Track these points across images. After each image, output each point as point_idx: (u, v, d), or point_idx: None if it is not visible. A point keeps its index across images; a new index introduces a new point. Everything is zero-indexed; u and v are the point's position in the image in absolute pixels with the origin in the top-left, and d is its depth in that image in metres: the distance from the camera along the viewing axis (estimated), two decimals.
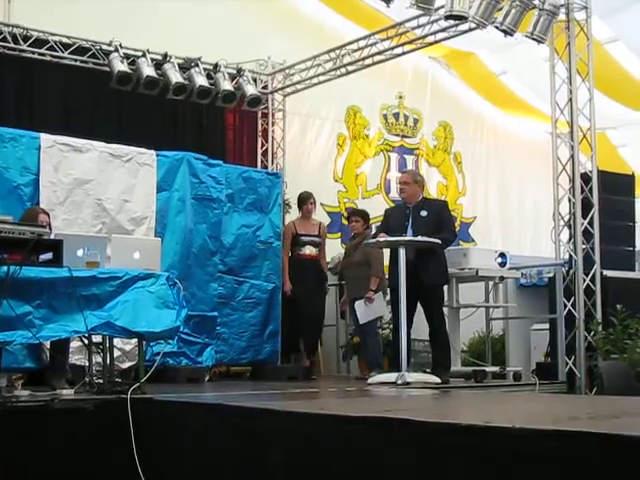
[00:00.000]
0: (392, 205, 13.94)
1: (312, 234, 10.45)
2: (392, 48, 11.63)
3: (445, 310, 9.44)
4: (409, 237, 8.40)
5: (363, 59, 11.87)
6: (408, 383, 7.91)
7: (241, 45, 12.54)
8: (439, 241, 8.33)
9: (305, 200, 10.55)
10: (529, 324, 11.07)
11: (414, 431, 3.96)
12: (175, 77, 11.38)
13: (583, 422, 4.34)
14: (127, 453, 5.56)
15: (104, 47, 11.27)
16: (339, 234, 13.81)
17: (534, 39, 9.52)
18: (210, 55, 11.81)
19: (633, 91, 14.12)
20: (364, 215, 10.65)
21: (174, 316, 6.55)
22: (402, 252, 8.20)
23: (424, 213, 8.78)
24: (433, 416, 4.55)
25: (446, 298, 9.51)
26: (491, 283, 9.85)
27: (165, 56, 11.47)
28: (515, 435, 3.49)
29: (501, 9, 9.37)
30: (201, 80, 11.61)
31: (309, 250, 10.38)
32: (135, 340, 6.90)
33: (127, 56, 11.20)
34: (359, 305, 9.88)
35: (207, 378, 9.35)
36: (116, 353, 7.31)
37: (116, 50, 11.09)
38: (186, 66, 11.68)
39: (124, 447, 5.58)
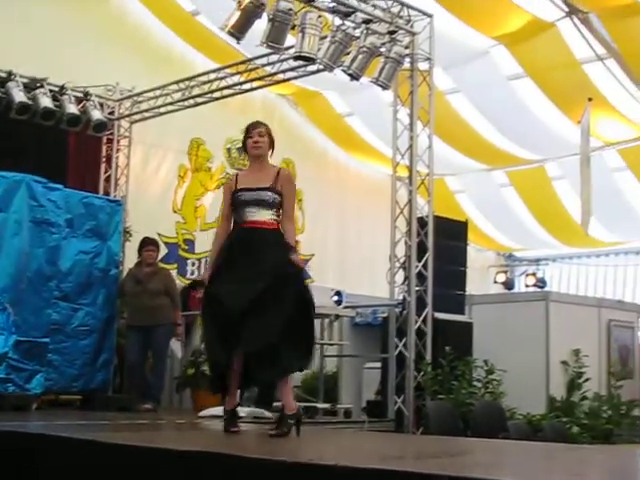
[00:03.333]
0: None
1: (261, 187, 6.21)
2: (241, 83, 11.73)
3: None
4: None
5: (212, 92, 11.90)
6: (240, 417, 7.91)
7: (90, 69, 12.40)
8: None
9: (247, 130, 6.61)
10: (362, 362, 11.28)
11: (241, 466, 3.98)
12: (19, 96, 11.12)
13: (408, 462, 4.47)
14: None
15: None
16: (176, 265, 13.78)
17: (379, 85, 9.77)
18: (57, 77, 11.60)
19: (471, 140, 14.67)
20: (157, 244, 10.64)
21: (2, 342, 6.40)
22: None
23: None
24: (259, 453, 4.58)
25: None
26: (327, 320, 10.00)
27: (9, 74, 11.19)
28: (339, 474, 3.56)
29: (349, 53, 9.59)
30: (46, 101, 11.38)
31: (253, 214, 6.18)
32: None
33: None
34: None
35: (35, 406, 9.10)
36: None
37: None
38: (31, 86, 11.43)
39: None
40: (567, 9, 12.07)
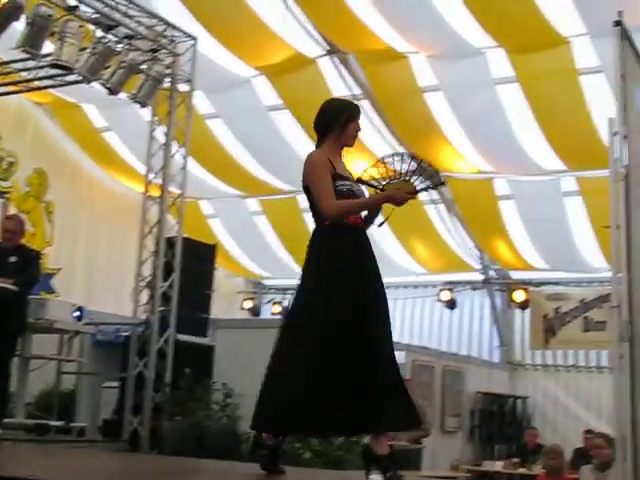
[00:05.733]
0: None
1: (353, 181, 5.09)
2: None
3: (16, 360, 9.20)
4: None
5: None
6: None
7: None
8: (15, 288, 8.11)
9: (355, 111, 5.20)
10: (102, 381, 11.08)
11: None
12: None
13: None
14: None
15: None
16: None
17: (137, 102, 9.74)
18: None
19: (227, 166, 14.81)
20: None
21: None
22: None
23: (13, 259, 8.53)
24: None
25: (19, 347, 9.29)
26: (66, 336, 9.78)
27: None
28: None
29: (109, 67, 9.49)
30: None
31: None
32: None
33: None
34: None
35: None
36: None
37: None
38: None
39: None
40: (328, 48, 12.49)
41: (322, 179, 4.88)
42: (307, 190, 4.99)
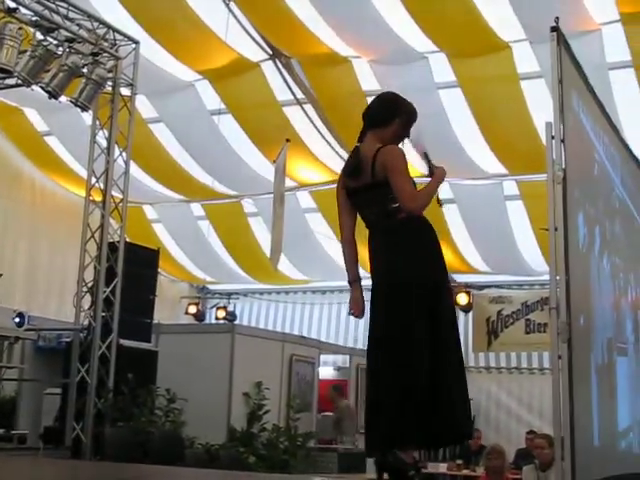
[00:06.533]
0: None
1: None
2: None
3: None
4: None
5: None
6: None
7: None
8: None
9: (413, 116, 5.13)
10: (44, 387, 10.96)
11: None
12: None
13: None
14: None
15: None
16: None
17: (78, 106, 9.64)
18: None
19: (171, 171, 14.72)
20: None
21: None
22: None
23: None
24: None
25: None
26: (6, 343, 9.65)
27: None
28: None
29: (50, 70, 9.39)
30: None
31: None
32: None
33: None
34: None
35: None
36: None
37: None
38: None
39: None
40: (271, 52, 12.49)
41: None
42: (381, 183, 4.88)
